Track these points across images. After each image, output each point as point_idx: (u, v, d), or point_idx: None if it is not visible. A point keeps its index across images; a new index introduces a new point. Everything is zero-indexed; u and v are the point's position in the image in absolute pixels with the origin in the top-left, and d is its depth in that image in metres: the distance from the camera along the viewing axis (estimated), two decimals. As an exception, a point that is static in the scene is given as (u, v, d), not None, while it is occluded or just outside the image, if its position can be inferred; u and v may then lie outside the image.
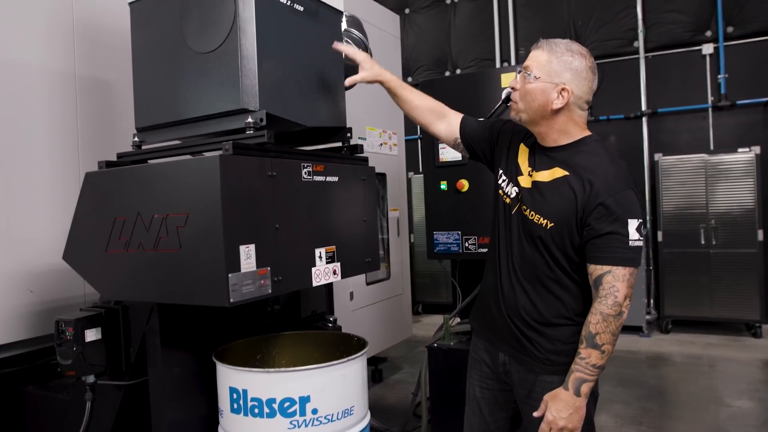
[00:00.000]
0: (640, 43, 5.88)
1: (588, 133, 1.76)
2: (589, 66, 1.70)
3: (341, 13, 2.13)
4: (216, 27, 1.73)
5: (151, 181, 1.71)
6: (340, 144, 2.17)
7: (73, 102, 2.65)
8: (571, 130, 1.74)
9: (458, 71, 6.84)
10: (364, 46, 2.42)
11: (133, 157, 1.97)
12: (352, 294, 3.75)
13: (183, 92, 1.83)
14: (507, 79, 2.55)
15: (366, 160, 2.23)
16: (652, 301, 6.09)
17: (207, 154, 1.76)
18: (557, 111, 1.70)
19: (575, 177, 1.67)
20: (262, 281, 1.68)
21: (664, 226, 5.71)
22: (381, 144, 4.16)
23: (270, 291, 1.70)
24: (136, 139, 1.98)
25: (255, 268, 1.65)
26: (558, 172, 1.71)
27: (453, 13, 6.95)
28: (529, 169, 1.79)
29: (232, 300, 1.57)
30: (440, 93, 3.14)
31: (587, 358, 1.61)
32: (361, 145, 2.18)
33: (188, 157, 1.88)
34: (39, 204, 2.47)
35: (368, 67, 2.01)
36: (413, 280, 6.79)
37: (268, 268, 1.70)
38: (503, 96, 2.42)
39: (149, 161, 1.98)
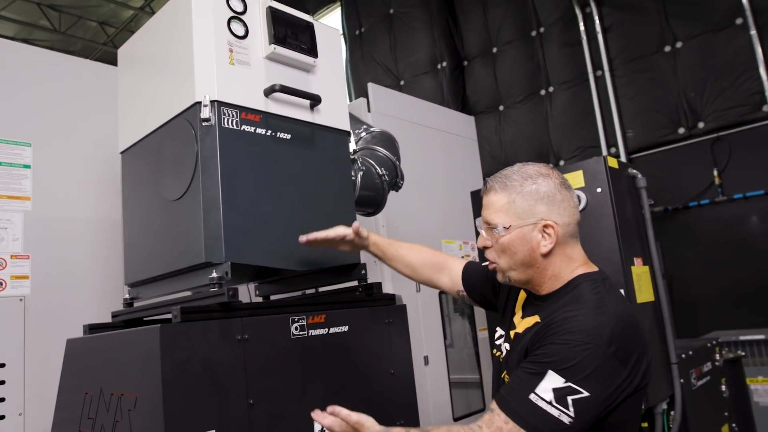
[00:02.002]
0: (770, 107, 5.07)
1: (585, 270, 1.37)
2: (559, 183, 1.36)
3: (347, 133, 1.89)
4: (182, 170, 1.55)
5: (107, 354, 1.50)
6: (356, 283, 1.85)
7: (118, 249, 2.61)
8: (563, 271, 1.36)
9: (562, 163, 6.35)
10: (392, 164, 2.14)
11: (124, 316, 1.79)
12: (435, 433, 3.24)
13: (160, 245, 1.64)
14: (572, 180, 2.12)
15: (392, 298, 1.88)
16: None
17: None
18: (548, 254, 1.34)
19: (542, 324, 1.31)
20: (228, 477, 1.34)
21: (841, 323, 4.57)
22: (462, 256, 3.77)
23: (240, 487, 1.36)
24: (127, 295, 1.81)
25: (215, 461, 1.32)
26: (532, 321, 1.36)
27: (549, 104, 6.58)
28: (521, 320, 1.44)
29: None
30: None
31: None
32: (379, 283, 1.83)
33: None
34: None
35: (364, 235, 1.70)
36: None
37: (237, 458, 1.36)
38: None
39: (144, 319, 1.79)
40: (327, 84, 1.82)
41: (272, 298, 2.08)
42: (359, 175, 1.97)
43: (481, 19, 7.09)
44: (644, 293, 2.07)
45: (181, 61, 1.57)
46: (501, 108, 6.93)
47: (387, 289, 3.12)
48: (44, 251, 2.37)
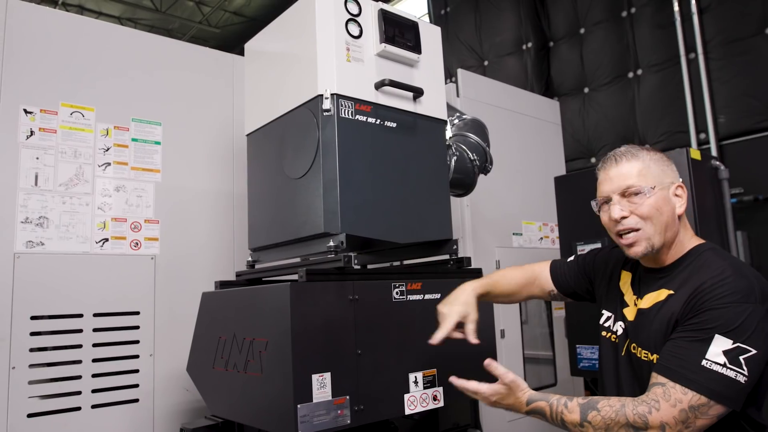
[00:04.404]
0: None
1: (699, 240, 1.44)
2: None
3: (444, 122, 2.08)
4: (304, 153, 1.80)
5: (242, 306, 1.79)
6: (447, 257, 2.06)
7: (230, 217, 2.95)
8: (684, 237, 1.43)
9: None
10: (482, 149, 2.32)
11: (247, 276, 2.09)
12: (508, 403, 3.43)
13: (281, 216, 1.92)
14: (650, 171, 2.21)
15: (479, 271, 2.08)
16: None
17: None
18: (680, 216, 1.41)
19: (682, 294, 1.34)
20: (339, 411, 1.60)
21: None
22: (541, 238, 3.89)
23: (348, 422, 1.62)
24: (249, 258, 2.10)
25: (330, 398, 1.59)
26: (663, 294, 1.39)
27: (637, 87, 6.46)
28: (635, 297, 1.47)
29: (301, 432, 1.52)
30: (577, 188, 2.89)
31: (568, 410, 1.31)
32: (469, 258, 2.04)
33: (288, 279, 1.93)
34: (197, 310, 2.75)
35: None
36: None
37: (347, 397, 1.62)
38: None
39: (263, 279, 2.08)
40: (428, 77, 2.02)
41: (368, 267, 2.33)
42: (453, 160, 2.17)
43: (570, -1, 7.00)
44: (721, 280, 2.16)
45: (306, 57, 1.82)
46: (586, 90, 6.86)
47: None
48: (171, 217, 2.73)
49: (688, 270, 1.37)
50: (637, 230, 1.38)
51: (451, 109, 2.56)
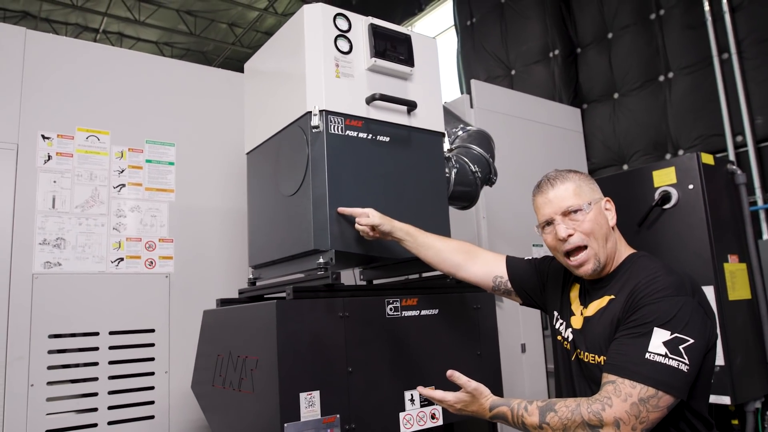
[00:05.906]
0: None
1: (632, 250, 1.54)
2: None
3: (441, 134, 2.06)
4: (296, 170, 1.81)
5: (235, 324, 1.79)
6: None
7: (243, 235, 2.98)
8: (620, 248, 1.52)
9: (680, 152, 6.05)
10: (485, 161, 2.29)
11: (248, 293, 2.10)
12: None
13: (277, 234, 1.92)
14: (660, 177, 2.13)
15: (481, 285, 2.03)
16: None
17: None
18: (613, 228, 1.52)
19: (621, 296, 1.42)
20: (329, 430, 1.59)
21: None
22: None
23: (339, 440, 1.60)
24: (250, 276, 2.12)
25: (319, 416, 1.57)
26: (605, 300, 1.47)
27: (668, 90, 6.27)
28: (581, 308, 1.54)
29: (288, 452, 1.51)
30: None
31: (528, 413, 1.32)
32: (468, 271, 1.99)
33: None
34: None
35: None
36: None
37: (337, 416, 1.60)
38: (657, 197, 2.07)
39: (264, 296, 2.09)
40: (423, 90, 2.00)
41: (374, 282, 2.31)
42: (453, 172, 2.13)
43: (596, 4, 6.87)
44: (738, 290, 2.05)
45: (295, 75, 1.83)
46: (615, 96, 6.70)
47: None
48: (184, 236, 2.78)
49: (626, 275, 1.45)
50: (584, 247, 1.46)
51: (456, 120, 2.54)
